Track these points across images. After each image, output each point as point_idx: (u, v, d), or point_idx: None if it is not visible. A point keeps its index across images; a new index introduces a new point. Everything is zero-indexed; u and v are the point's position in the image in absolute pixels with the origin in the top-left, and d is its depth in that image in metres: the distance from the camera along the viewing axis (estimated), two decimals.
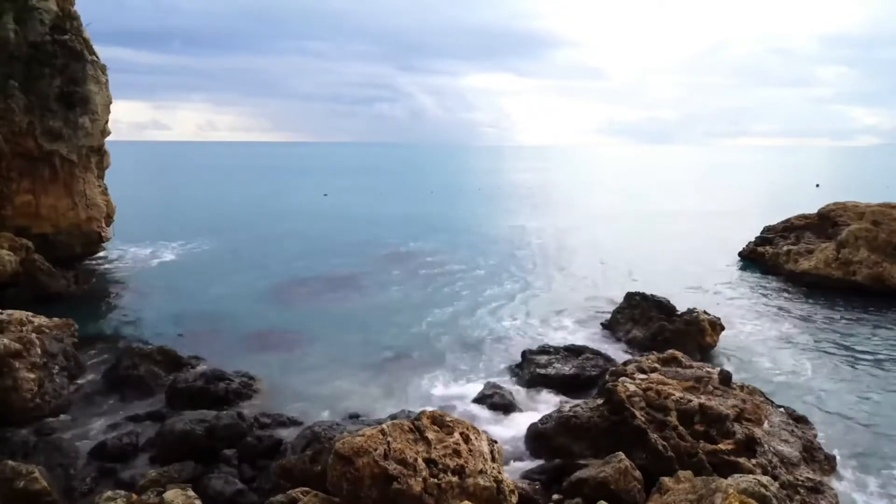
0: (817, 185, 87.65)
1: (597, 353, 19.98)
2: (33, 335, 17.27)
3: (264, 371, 19.40)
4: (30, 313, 18.32)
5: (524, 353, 20.14)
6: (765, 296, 29.41)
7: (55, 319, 19.23)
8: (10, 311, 17.73)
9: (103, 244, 34.50)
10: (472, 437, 11.25)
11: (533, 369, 19.11)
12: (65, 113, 30.14)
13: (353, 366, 20.21)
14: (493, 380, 18.65)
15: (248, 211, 62.09)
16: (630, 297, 24.36)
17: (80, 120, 30.58)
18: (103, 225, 33.15)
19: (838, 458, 14.17)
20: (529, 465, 14.12)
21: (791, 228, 36.55)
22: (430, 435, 10.94)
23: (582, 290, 30.31)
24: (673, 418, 13.42)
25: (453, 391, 18.48)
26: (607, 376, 16.45)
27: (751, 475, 10.63)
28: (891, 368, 20.13)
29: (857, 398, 17.97)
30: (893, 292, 28.16)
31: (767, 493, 9.83)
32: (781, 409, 15.27)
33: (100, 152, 33.22)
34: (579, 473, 12.41)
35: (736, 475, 10.59)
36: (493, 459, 11.18)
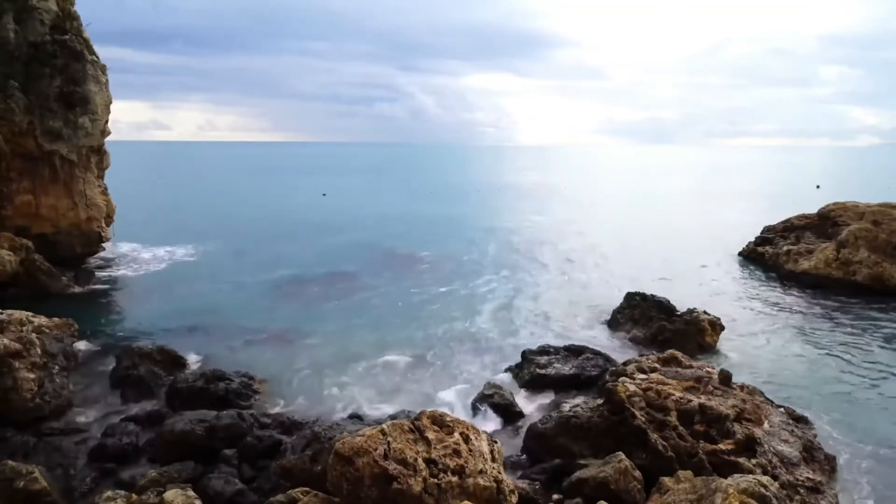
0: (818, 187, 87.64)
1: (597, 353, 19.98)
2: (33, 335, 17.27)
3: (264, 371, 19.41)
4: (30, 313, 18.31)
5: (524, 353, 20.13)
6: (765, 296, 29.40)
7: (55, 319, 19.22)
8: (10, 311, 17.72)
9: (103, 244, 34.48)
10: (472, 437, 11.25)
11: (533, 369, 19.11)
12: (65, 113, 30.12)
13: (352, 366, 20.20)
14: (493, 380, 18.64)
15: (247, 211, 62.08)
16: (630, 297, 24.37)
17: (80, 120, 30.57)
18: (103, 225, 33.14)
19: (838, 458, 14.17)
20: (529, 465, 14.13)
21: (791, 228, 36.55)
22: (430, 435, 10.94)
23: (582, 290, 30.32)
24: (673, 418, 13.42)
25: (453, 391, 18.48)
26: (607, 376, 16.45)
27: (751, 475, 10.64)
28: (891, 368, 20.12)
29: (858, 398, 17.96)
30: (893, 292, 28.16)
31: (767, 493, 9.84)
32: (781, 409, 15.28)
33: (100, 152, 33.20)
34: (579, 473, 12.41)
35: (736, 475, 10.60)
36: (493, 459, 11.18)
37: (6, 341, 16.09)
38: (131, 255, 37.21)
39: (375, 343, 22.32)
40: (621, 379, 15.00)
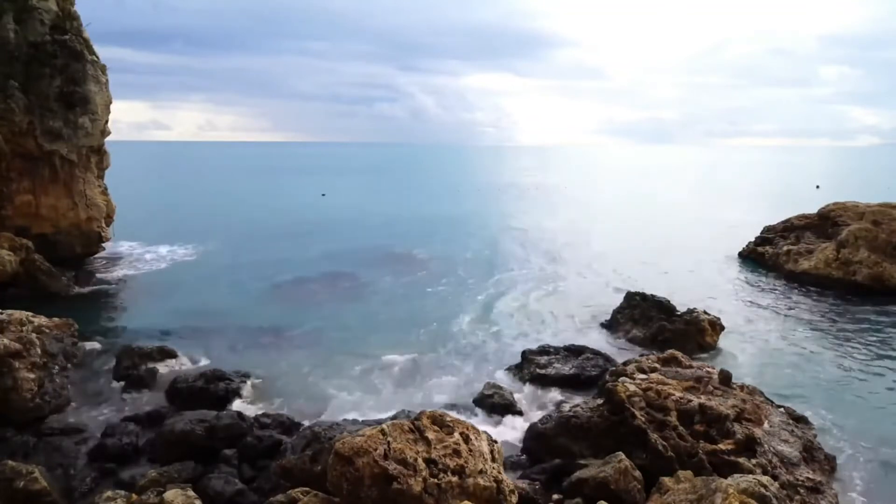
0: (818, 187, 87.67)
1: (597, 353, 19.99)
2: (33, 335, 17.27)
3: (265, 371, 19.42)
4: (30, 313, 18.32)
5: (524, 353, 20.14)
6: (765, 295, 29.40)
7: (55, 319, 19.23)
8: (10, 311, 17.73)
9: (103, 244, 34.49)
10: (472, 437, 11.24)
11: (533, 369, 19.12)
12: (65, 113, 30.13)
13: (353, 366, 20.21)
14: (493, 380, 18.65)
15: (247, 211, 62.10)
16: (630, 297, 24.37)
17: (80, 120, 30.57)
18: (103, 225, 33.15)
19: (838, 458, 14.16)
20: (529, 465, 14.13)
21: (791, 228, 36.55)
22: (430, 435, 10.94)
23: (582, 290, 30.32)
24: (673, 418, 13.42)
25: (453, 391, 18.49)
26: (607, 376, 16.45)
27: (751, 475, 10.63)
28: (891, 368, 20.13)
29: (858, 398, 17.97)
30: (893, 292, 28.16)
31: (767, 493, 9.83)
32: (781, 409, 15.27)
33: (100, 152, 33.21)
34: (579, 473, 12.41)
35: (736, 475, 10.59)
36: (493, 459, 11.18)
37: (6, 341, 16.09)
38: (131, 254, 37.23)
39: (375, 343, 22.32)
40: (621, 379, 15.00)
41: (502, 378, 19.27)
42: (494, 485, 10.58)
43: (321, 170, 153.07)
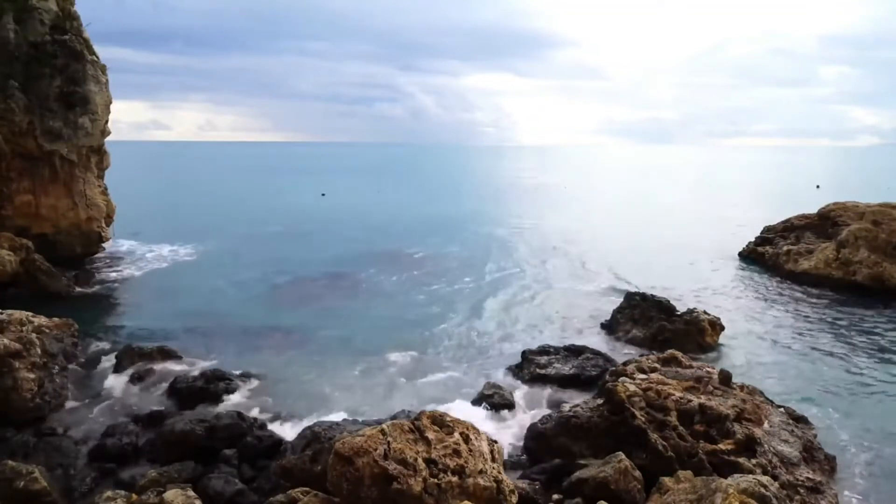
0: (818, 187, 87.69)
1: (597, 353, 19.99)
2: (33, 335, 17.27)
3: (264, 371, 19.41)
4: (30, 313, 18.31)
5: (524, 353, 20.14)
6: (765, 296, 29.40)
7: (55, 319, 19.22)
8: (10, 311, 17.72)
9: (103, 244, 34.50)
10: (472, 437, 11.25)
11: (533, 369, 19.12)
12: (65, 113, 30.13)
13: (352, 366, 20.21)
14: (493, 380, 18.65)
15: (247, 211, 62.05)
16: (630, 297, 24.37)
17: (80, 120, 30.57)
18: (103, 225, 33.15)
19: (838, 458, 14.16)
20: (529, 465, 14.13)
21: (791, 228, 36.56)
22: (430, 435, 10.94)
23: (582, 290, 30.31)
24: (673, 418, 13.43)
25: (453, 391, 18.48)
26: (607, 376, 16.45)
27: (751, 475, 10.64)
28: (891, 368, 20.13)
29: (858, 398, 17.97)
30: (893, 292, 28.15)
31: (767, 493, 9.84)
32: (781, 409, 15.27)
33: (100, 152, 33.21)
34: (579, 473, 12.42)
35: (736, 475, 10.59)
36: (493, 459, 11.19)
37: (6, 341, 16.09)
38: (131, 254, 37.22)
39: (375, 343, 22.30)
40: (621, 379, 15.00)
41: (502, 378, 19.26)
42: (494, 485, 10.59)
43: (321, 170, 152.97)
